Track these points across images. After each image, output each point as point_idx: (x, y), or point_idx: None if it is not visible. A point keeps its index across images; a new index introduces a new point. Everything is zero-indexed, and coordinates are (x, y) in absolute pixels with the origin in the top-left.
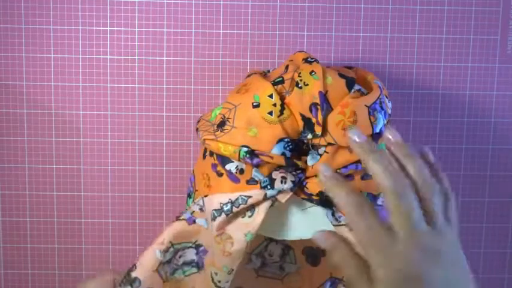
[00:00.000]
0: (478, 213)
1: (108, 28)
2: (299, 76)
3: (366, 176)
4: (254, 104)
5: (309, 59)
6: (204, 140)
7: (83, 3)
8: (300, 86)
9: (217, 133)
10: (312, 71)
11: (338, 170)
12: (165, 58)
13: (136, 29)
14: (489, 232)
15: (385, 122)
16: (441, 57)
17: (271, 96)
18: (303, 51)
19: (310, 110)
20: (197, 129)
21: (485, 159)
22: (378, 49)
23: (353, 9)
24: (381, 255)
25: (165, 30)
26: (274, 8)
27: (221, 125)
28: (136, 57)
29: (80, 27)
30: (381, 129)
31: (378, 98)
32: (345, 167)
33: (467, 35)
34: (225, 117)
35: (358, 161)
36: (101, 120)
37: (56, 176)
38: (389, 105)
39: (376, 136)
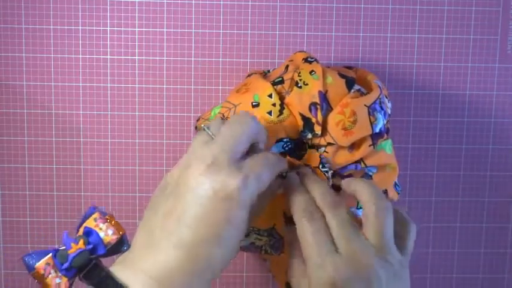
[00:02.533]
0: (478, 213)
1: (108, 28)
2: (299, 76)
3: (365, 176)
4: (253, 103)
5: (308, 59)
6: None
7: (83, 3)
8: (299, 85)
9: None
10: (312, 71)
11: (338, 170)
12: (165, 58)
13: (137, 29)
14: (489, 232)
15: (385, 122)
16: (441, 57)
17: (270, 96)
18: (303, 51)
19: (310, 110)
20: (196, 128)
21: (486, 159)
22: (378, 49)
23: (353, 9)
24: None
25: (165, 30)
26: (274, 8)
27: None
28: (137, 57)
29: (80, 27)
30: (380, 129)
31: (378, 98)
32: (345, 167)
33: (467, 35)
34: (224, 116)
35: (358, 161)
36: (101, 120)
37: (56, 176)
38: (389, 105)
39: (375, 136)
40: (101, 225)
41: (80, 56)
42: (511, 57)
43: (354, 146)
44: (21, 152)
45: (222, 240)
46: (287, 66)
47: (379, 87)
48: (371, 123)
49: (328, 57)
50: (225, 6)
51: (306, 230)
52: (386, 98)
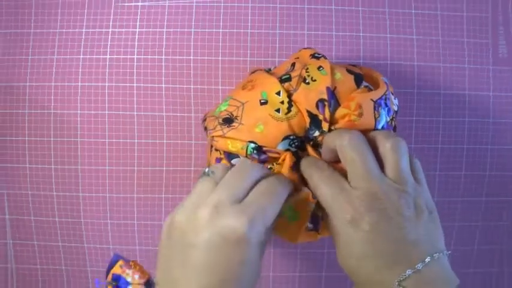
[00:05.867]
0: (478, 213)
1: (110, 29)
2: (307, 72)
3: None
4: (262, 101)
5: (316, 55)
6: (213, 137)
7: (82, 4)
8: (307, 81)
9: (225, 129)
10: (320, 66)
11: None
12: (163, 57)
13: (137, 30)
14: (489, 232)
15: (389, 119)
16: (440, 58)
17: (278, 93)
18: (310, 48)
19: (317, 107)
20: (205, 128)
21: (485, 159)
22: (378, 49)
23: (352, 11)
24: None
25: (164, 30)
26: (274, 9)
27: (229, 121)
28: (135, 57)
29: (84, 30)
30: (383, 126)
31: (384, 94)
32: None
33: (461, 38)
34: (233, 115)
35: None
36: (100, 120)
37: (55, 176)
38: (396, 102)
39: None
40: (127, 271)
41: (80, 56)
42: (502, 60)
43: None
44: (22, 152)
45: (239, 280)
46: (293, 64)
47: (386, 83)
48: (375, 119)
49: (329, 55)
50: (225, 7)
51: (316, 178)
52: (392, 94)
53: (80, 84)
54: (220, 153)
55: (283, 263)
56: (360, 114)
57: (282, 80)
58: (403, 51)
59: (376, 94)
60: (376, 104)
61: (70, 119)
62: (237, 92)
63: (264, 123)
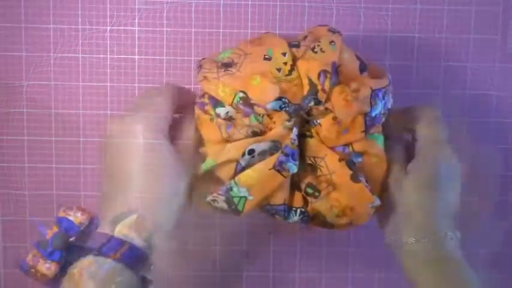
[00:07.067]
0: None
1: (108, 27)
2: (318, 42)
3: (349, 162)
4: (266, 56)
5: (332, 29)
6: (205, 77)
7: (82, 3)
8: (316, 51)
9: (220, 73)
10: (332, 41)
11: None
12: (165, 57)
13: (136, 28)
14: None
15: (382, 112)
16: (441, 56)
17: (284, 54)
18: (326, 25)
19: (319, 76)
20: (200, 67)
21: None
22: (378, 48)
23: (353, 9)
24: None
25: (164, 29)
26: (274, 7)
27: (227, 65)
28: (137, 57)
29: (80, 26)
30: (376, 115)
31: (385, 87)
32: (333, 148)
33: (467, 35)
34: (233, 61)
35: (346, 145)
36: (101, 120)
37: (56, 175)
38: (391, 100)
39: (370, 120)
40: (69, 212)
41: (80, 55)
42: (511, 57)
43: (346, 130)
44: (21, 151)
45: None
46: (306, 37)
47: (389, 79)
48: (371, 105)
49: None
50: (225, 6)
51: None
52: (391, 93)
53: (81, 84)
54: (205, 98)
55: (283, 263)
56: (357, 97)
57: (291, 45)
58: (403, 50)
59: (376, 84)
60: (374, 93)
61: (72, 119)
62: (243, 44)
63: (261, 77)
